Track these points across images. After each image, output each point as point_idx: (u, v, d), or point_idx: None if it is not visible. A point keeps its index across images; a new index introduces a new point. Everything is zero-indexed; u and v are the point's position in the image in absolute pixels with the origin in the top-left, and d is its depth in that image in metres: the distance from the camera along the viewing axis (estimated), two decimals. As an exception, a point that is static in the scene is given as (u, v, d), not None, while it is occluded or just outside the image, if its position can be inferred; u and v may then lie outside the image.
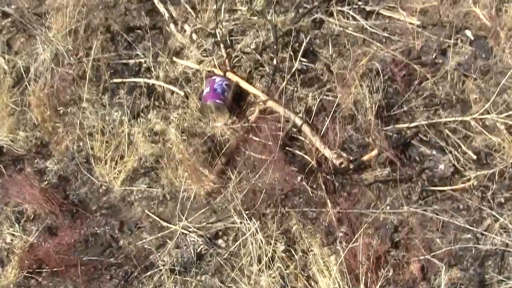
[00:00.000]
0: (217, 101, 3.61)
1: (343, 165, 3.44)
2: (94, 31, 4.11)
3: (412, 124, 3.68)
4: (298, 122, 3.58)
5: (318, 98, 3.74)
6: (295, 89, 3.79)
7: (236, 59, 3.96)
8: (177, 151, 3.37)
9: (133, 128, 3.54)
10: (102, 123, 3.53)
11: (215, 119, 3.69)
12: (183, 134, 3.50)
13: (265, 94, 3.76)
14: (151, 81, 3.85)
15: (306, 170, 3.46)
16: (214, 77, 3.73)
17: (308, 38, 4.03)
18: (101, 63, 3.89)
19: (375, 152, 3.46)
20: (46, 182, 3.52)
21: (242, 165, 3.47)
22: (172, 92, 3.84)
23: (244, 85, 3.79)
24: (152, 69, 3.93)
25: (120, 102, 3.78)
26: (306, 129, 3.56)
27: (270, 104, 3.68)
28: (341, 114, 3.66)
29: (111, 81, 3.88)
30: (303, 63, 3.96)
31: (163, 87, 3.88)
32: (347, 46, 4.02)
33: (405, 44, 4.05)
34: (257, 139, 3.58)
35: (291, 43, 3.94)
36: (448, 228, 3.28)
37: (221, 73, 3.83)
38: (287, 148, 3.57)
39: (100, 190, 3.47)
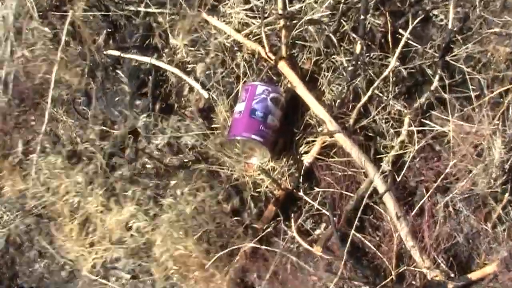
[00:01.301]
0: (253, 137, 2.14)
1: (437, 278, 1.97)
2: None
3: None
4: (380, 186, 2.05)
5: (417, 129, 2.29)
6: (386, 99, 2.32)
7: (298, 30, 2.39)
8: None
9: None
10: (65, 180, 2.11)
11: (249, 155, 2.21)
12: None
13: (334, 116, 2.24)
14: (163, 65, 2.31)
15: (378, 283, 2.01)
16: (254, 84, 2.21)
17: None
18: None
19: (492, 267, 1.97)
20: (-10, 247, 2.29)
21: (277, 260, 2.04)
22: (191, 89, 2.25)
23: (303, 94, 2.19)
24: (170, 35, 2.48)
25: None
26: (389, 203, 2.07)
27: (339, 139, 2.10)
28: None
29: (104, 53, 2.32)
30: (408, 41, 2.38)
31: (180, 77, 2.32)
32: (477, 9, 2.42)
33: None
34: (310, 201, 2.19)
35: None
36: None
37: (271, 60, 2.38)
38: (352, 229, 2.18)
39: (62, 272, 2.27)
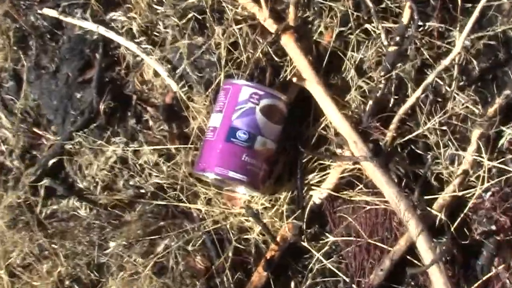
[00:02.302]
0: (231, 175, 1.42)
1: None
2: None
3: None
4: (425, 252, 1.28)
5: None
6: (448, 92, 1.51)
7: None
8: None
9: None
10: None
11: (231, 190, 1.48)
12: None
13: (362, 131, 1.41)
14: (116, 37, 1.56)
15: None
16: (237, 84, 1.43)
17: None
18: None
19: None
20: None
21: None
22: (157, 72, 1.48)
23: (316, 93, 1.39)
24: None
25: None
26: (438, 281, 1.32)
27: (368, 170, 1.33)
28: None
29: (38, 12, 1.56)
30: None
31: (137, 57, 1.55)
32: None
33: None
34: (321, 258, 1.42)
35: None
36: None
37: (271, 31, 1.55)
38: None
39: None
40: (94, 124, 1.60)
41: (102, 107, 1.59)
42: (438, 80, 1.51)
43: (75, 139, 1.58)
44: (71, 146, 1.59)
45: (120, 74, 1.64)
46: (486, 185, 1.43)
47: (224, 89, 1.50)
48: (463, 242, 1.46)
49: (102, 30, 1.63)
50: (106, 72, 1.64)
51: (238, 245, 1.52)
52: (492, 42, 1.54)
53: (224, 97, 1.48)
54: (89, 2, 1.64)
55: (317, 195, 1.51)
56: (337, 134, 1.50)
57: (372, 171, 1.44)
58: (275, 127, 1.48)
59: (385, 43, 1.51)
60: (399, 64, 1.50)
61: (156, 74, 1.62)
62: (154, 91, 1.63)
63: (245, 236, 1.53)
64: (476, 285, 1.42)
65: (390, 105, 1.51)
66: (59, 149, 1.60)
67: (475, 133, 1.48)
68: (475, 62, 1.52)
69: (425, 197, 1.46)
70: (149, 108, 1.62)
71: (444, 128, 1.49)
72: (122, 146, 1.58)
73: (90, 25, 1.64)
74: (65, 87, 1.64)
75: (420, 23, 1.50)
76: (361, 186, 1.49)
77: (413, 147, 1.51)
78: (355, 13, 1.53)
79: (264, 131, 1.46)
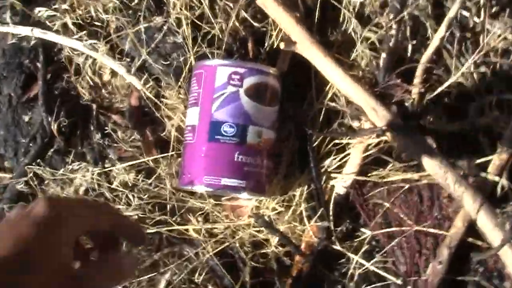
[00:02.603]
0: (225, 182, 1.10)
1: None
2: None
3: None
4: (490, 231, 0.97)
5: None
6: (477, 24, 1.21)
7: None
8: None
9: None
10: None
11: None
12: None
13: (379, 94, 1.04)
14: (55, 38, 1.20)
15: None
16: (211, 66, 1.11)
17: None
18: None
19: None
20: None
21: None
22: (114, 72, 1.17)
23: (312, 56, 1.06)
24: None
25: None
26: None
27: (397, 141, 0.99)
28: None
29: None
30: None
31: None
32: None
33: None
34: (361, 260, 1.08)
35: None
36: None
37: None
38: None
39: None
40: (52, 150, 1.30)
41: (55, 126, 1.28)
42: (463, 12, 1.19)
43: (30, 172, 1.28)
44: (21, 186, 1.29)
45: (70, 82, 1.33)
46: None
47: (195, 75, 1.18)
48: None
49: (37, 32, 1.31)
50: (53, 83, 1.33)
51: (256, 264, 1.22)
52: None
53: (197, 85, 1.16)
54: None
55: (340, 184, 1.20)
56: (349, 103, 1.18)
57: (403, 141, 1.12)
58: (269, 110, 1.16)
59: None
60: (410, 0, 1.18)
61: (113, 73, 1.31)
62: (116, 94, 1.32)
63: (262, 251, 1.23)
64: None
65: (409, 54, 1.20)
66: (15, 190, 1.30)
67: (524, 67, 1.17)
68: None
69: (477, 161, 1.15)
70: (113, 116, 1.31)
71: (482, 69, 1.17)
72: (90, 169, 1.27)
73: (23, 30, 1.33)
74: (10, 111, 1.33)
75: None
76: (392, 162, 1.18)
77: (447, 100, 1.20)
78: None
79: (256, 119, 1.14)
